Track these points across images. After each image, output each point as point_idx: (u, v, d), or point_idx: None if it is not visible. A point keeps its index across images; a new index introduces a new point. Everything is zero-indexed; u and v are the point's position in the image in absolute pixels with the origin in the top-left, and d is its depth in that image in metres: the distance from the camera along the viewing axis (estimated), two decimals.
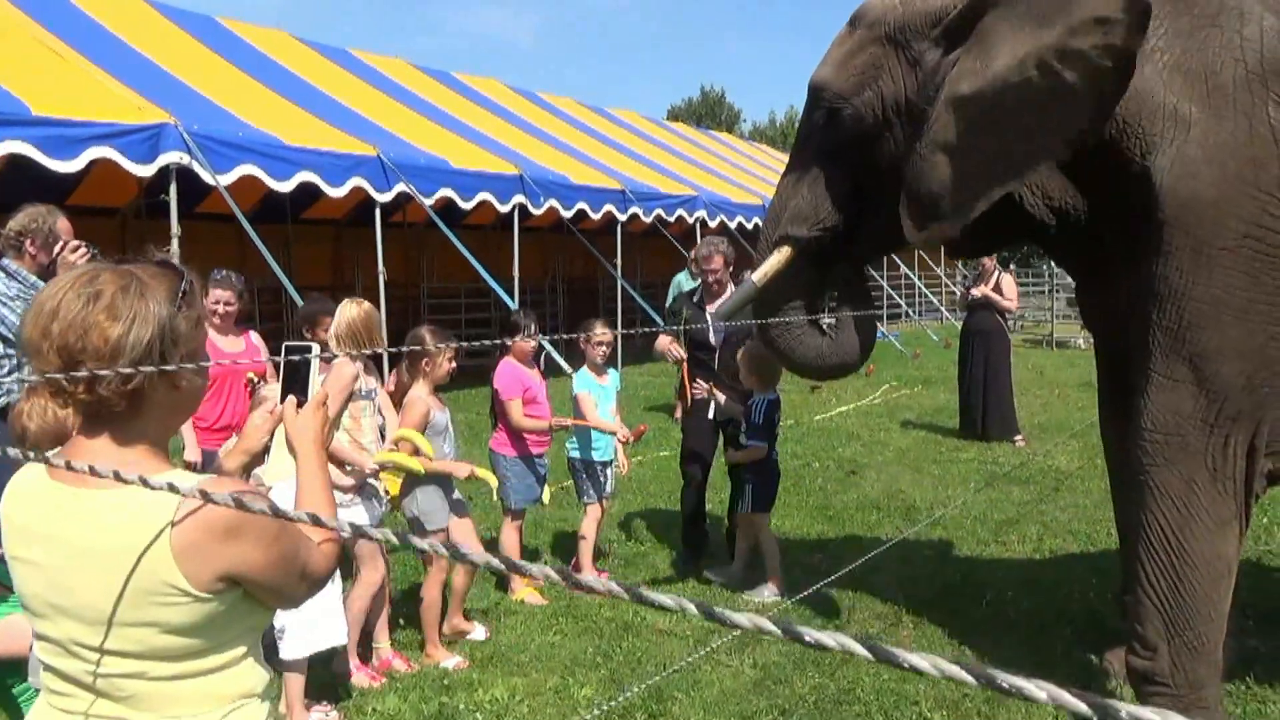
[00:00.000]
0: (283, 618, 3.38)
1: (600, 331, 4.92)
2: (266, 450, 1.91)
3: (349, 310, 3.94)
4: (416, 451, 3.94)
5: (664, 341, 5.18)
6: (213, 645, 1.45)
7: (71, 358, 1.32)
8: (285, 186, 8.81)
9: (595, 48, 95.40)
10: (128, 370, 1.30)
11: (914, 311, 21.34)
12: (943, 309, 21.24)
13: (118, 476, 1.00)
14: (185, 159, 7.84)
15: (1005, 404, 8.72)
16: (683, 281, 10.66)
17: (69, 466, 1.10)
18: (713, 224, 14.85)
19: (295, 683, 3.46)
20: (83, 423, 1.40)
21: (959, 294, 9.03)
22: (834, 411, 10.35)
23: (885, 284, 19.34)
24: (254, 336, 4.79)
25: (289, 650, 3.42)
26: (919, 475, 7.38)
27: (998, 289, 8.79)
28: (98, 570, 1.37)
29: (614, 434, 4.93)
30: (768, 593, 4.78)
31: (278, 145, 8.76)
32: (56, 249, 3.73)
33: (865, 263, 4.12)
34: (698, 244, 5.39)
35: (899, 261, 19.39)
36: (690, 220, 14.60)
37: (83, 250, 3.73)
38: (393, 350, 3.97)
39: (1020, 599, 4.64)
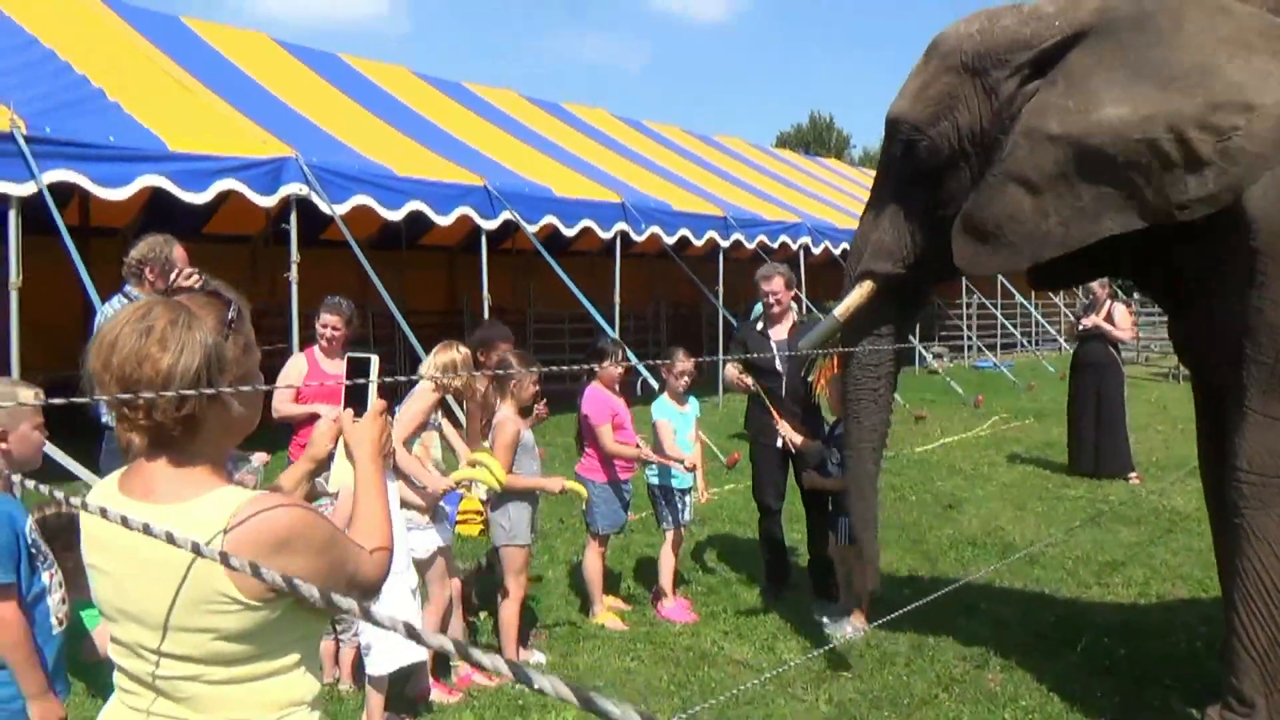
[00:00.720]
0: (369, 635, 3.52)
1: (682, 360, 4.95)
2: (332, 457, 2.01)
3: (445, 355, 4.03)
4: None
5: (732, 373, 5.16)
6: (265, 652, 1.54)
7: (129, 387, 1.44)
8: (396, 215, 9.21)
9: (705, 75, 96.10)
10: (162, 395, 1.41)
11: (1029, 341, 20.58)
12: (1060, 339, 20.42)
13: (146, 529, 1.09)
14: (304, 190, 8.29)
15: (1118, 439, 8.33)
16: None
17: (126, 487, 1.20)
18: (816, 250, 14.73)
19: (376, 700, 3.59)
20: (146, 445, 1.52)
21: (1068, 324, 8.68)
22: (936, 443, 10.08)
23: (999, 313, 18.77)
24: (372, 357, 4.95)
25: (375, 666, 3.55)
26: (1021, 512, 7.12)
27: (1109, 319, 8.42)
28: (158, 578, 1.48)
29: (680, 464, 4.89)
30: (850, 629, 4.68)
31: (390, 176, 9.17)
32: (172, 276, 4.00)
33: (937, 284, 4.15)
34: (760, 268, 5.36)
35: (1013, 289, 18.77)
36: (794, 246, 14.52)
37: (194, 277, 4.01)
38: (483, 373, 4.11)
39: (1118, 646, 4.41)
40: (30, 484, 1.40)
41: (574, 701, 0.75)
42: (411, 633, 0.93)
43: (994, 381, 15.79)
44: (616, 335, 9.45)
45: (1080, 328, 8.60)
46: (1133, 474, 8.22)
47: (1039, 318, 19.42)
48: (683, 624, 4.83)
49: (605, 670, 4.26)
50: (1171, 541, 6.18)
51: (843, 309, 3.72)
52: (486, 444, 4.24)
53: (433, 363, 3.99)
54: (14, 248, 6.55)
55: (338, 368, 4.84)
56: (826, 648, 4.27)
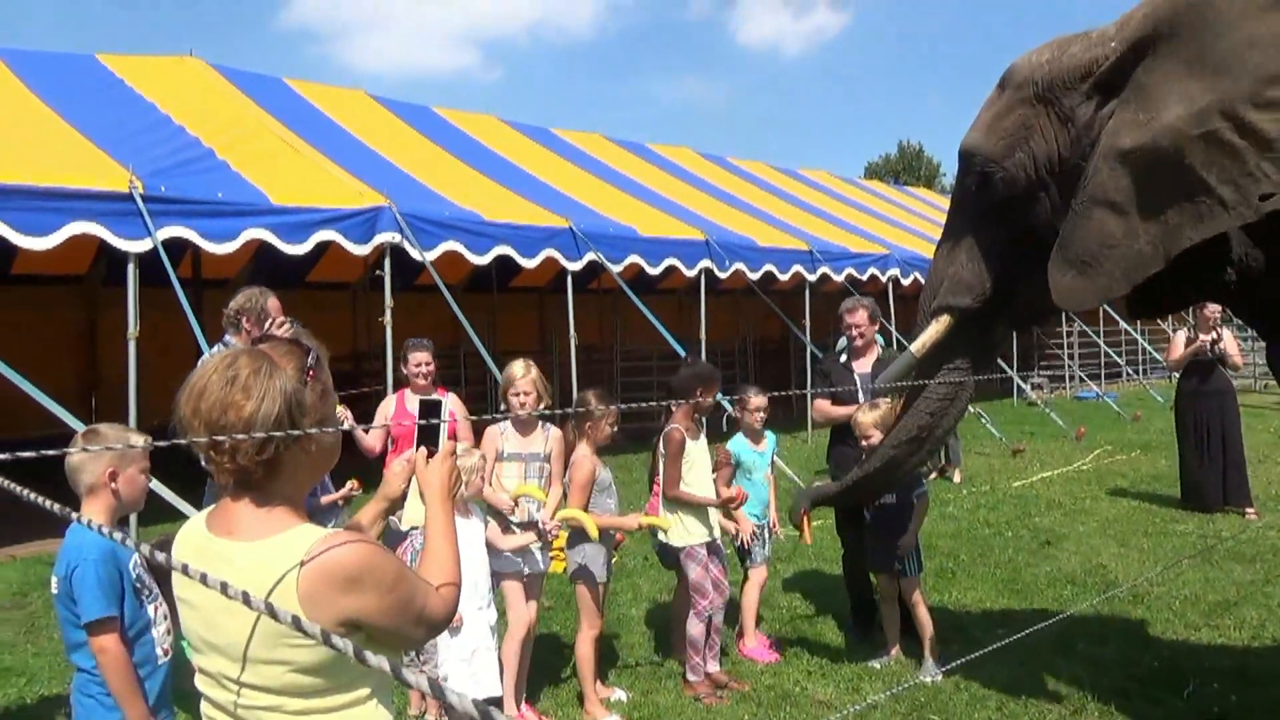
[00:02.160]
0: (445, 668, 3.61)
1: (754, 396, 4.95)
2: (405, 496, 2.10)
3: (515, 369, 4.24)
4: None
5: (822, 405, 5.13)
6: (337, 685, 1.62)
7: (215, 433, 1.55)
8: (483, 260, 9.50)
9: (792, 109, 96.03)
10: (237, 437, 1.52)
11: (1136, 370, 19.75)
12: (1168, 366, 19.54)
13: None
14: (397, 238, 8.63)
15: (1235, 470, 7.90)
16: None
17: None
18: (906, 281, 14.51)
19: None
20: (230, 486, 1.63)
21: (1193, 344, 8.14)
22: (1035, 478, 9.75)
23: (1102, 341, 18.09)
24: (451, 397, 5.04)
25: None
26: (1124, 548, 6.82)
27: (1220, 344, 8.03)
28: (237, 612, 1.57)
29: (728, 504, 4.65)
30: (933, 672, 4.53)
31: (478, 221, 9.47)
32: (267, 325, 4.25)
33: (1020, 331, 4.01)
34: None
35: (1116, 316, 18.08)
36: (883, 279, 14.34)
37: (287, 325, 4.24)
38: (558, 413, 4.21)
39: (1228, 692, 4.18)
40: (119, 536, 1.52)
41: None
42: (395, 672, 1.01)
43: (1097, 413, 15.20)
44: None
45: (1210, 352, 8.03)
46: (1249, 508, 7.79)
47: (1145, 345, 18.64)
48: (765, 663, 4.78)
49: (685, 710, 4.25)
50: None
51: (919, 344, 3.68)
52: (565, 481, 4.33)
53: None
54: (132, 301, 7.00)
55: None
56: (908, 685, 4.17)
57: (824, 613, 5.57)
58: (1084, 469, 10.29)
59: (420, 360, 5.03)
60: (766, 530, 5.07)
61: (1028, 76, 3.33)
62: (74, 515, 1.41)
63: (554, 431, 4.41)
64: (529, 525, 4.13)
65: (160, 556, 1.35)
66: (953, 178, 4.17)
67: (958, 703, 4.20)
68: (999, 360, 13.82)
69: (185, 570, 1.28)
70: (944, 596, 5.75)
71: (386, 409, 5.08)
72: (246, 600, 1.19)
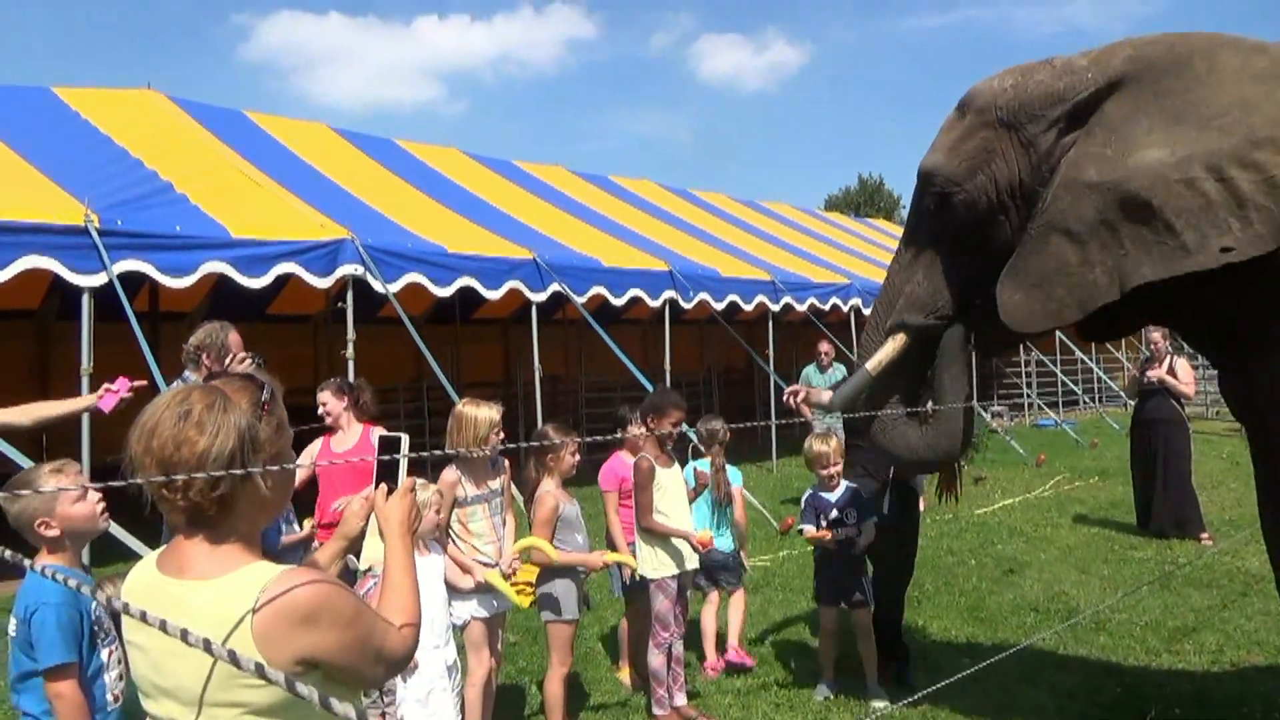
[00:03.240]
0: (402, 709, 3.53)
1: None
2: (363, 535, 2.06)
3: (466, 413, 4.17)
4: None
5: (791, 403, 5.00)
6: None
7: (168, 470, 1.52)
8: (446, 292, 9.45)
9: (753, 143, 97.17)
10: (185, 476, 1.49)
11: (1092, 398, 20.08)
12: (1124, 395, 19.91)
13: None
14: (360, 270, 8.56)
15: (1185, 498, 8.05)
16: (810, 374, 10.57)
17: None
18: (867, 311, 14.61)
19: None
20: (183, 524, 1.59)
21: (1131, 378, 8.45)
22: (997, 505, 9.84)
23: (1059, 370, 18.40)
24: (372, 434, 4.92)
25: None
26: (1085, 575, 6.89)
27: (1172, 372, 8.22)
28: (191, 654, 1.52)
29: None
30: (881, 695, 4.58)
31: (441, 253, 9.43)
32: (227, 360, 4.19)
33: (986, 353, 4.03)
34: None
35: (1072, 346, 18.40)
36: (845, 308, 14.48)
37: (248, 361, 4.18)
38: (516, 446, 4.17)
39: (1190, 716, 4.23)
40: (60, 578, 1.47)
41: None
42: (361, 718, 0.99)
43: (1056, 440, 15.42)
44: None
45: (1144, 381, 8.38)
46: (1204, 534, 7.92)
47: (1101, 374, 18.97)
48: (733, 696, 4.74)
49: None
50: (1246, 606, 5.92)
51: (874, 363, 3.67)
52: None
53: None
54: (86, 336, 6.86)
55: (345, 443, 4.92)
56: (876, 714, 4.17)
57: (792, 643, 5.55)
58: (1045, 496, 10.41)
59: (321, 401, 4.95)
60: (731, 558, 5.07)
61: (990, 101, 3.39)
62: (27, 563, 1.37)
63: (502, 462, 4.35)
64: (489, 565, 4.07)
65: (117, 604, 1.31)
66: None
67: None
68: None
69: (144, 617, 1.24)
70: (909, 624, 5.74)
71: (312, 450, 5.00)
72: (208, 648, 1.16)
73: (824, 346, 10.78)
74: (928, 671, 4.76)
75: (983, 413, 16.14)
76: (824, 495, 4.78)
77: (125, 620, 1.65)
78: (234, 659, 1.13)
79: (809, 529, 4.71)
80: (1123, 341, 19.66)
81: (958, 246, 3.55)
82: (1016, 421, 18.65)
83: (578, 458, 4.28)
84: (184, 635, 1.14)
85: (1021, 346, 18.34)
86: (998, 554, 7.64)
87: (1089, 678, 4.80)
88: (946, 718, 4.32)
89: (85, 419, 6.62)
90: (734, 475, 5.18)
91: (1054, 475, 11.71)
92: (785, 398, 4.66)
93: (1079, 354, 18.87)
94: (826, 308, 14.09)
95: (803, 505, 4.84)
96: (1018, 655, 4.57)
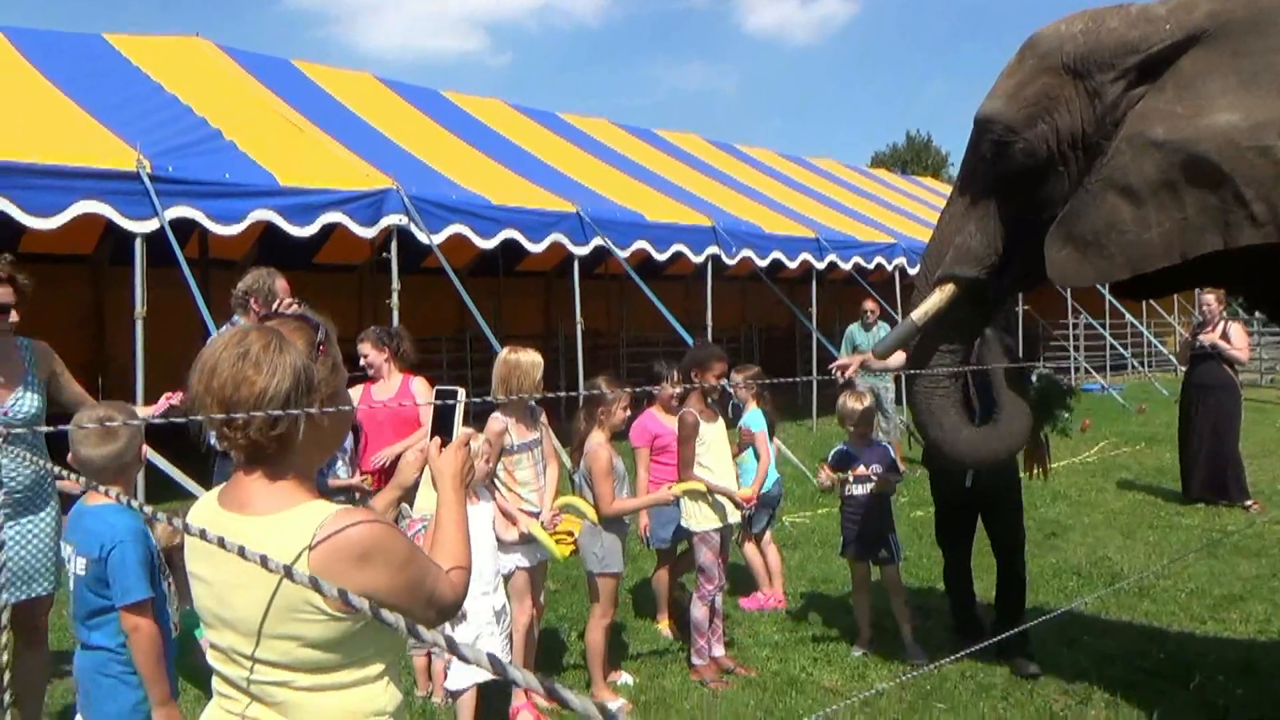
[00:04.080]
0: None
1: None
2: (418, 485, 2.08)
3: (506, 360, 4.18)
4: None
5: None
6: (348, 661, 1.61)
7: (228, 408, 1.54)
8: (490, 244, 9.46)
9: (800, 98, 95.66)
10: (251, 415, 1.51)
11: (1141, 362, 19.69)
12: (1174, 360, 19.50)
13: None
14: (404, 220, 8.59)
15: (1226, 463, 7.88)
16: (855, 333, 10.45)
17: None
18: (913, 271, 14.45)
19: (465, 713, 3.68)
20: (243, 461, 1.62)
21: (1181, 342, 8.26)
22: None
23: (1108, 333, 18.04)
24: (412, 383, 4.94)
25: (454, 681, 3.65)
26: (1130, 540, 6.81)
27: (1225, 337, 8.01)
28: (253, 586, 1.57)
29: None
30: (919, 655, 4.58)
31: (485, 205, 9.43)
32: (275, 305, 4.24)
33: (1015, 291, 3.95)
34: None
35: (1122, 309, 18.02)
36: (889, 268, 14.30)
37: (294, 306, 4.22)
38: (562, 396, 4.19)
39: (1234, 685, 4.18)
40: (136, 504, 1.50)
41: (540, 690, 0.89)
42: (412, 631, 0.99)
43: (1103, 405, 15.15)
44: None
45: (1196, 346, 8.17)
46: (1251, 501, 7.77)
47: (1151, 337, 18.60)
48: (770, 649, 4.78)
49: (691, 694, 4.25)
50: None
51: (921, 312, 3.59)
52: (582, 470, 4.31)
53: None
54: (139, 281, 6.98)
55: (385, 395, 4.93)
56: (916, 673, 4.17)
57: (830, 599, 5.57)
58: (1089, 461, 10.27)
59: (361, 352, 4.92)
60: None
61: (1056, 46, 3.25)
62: (112, 494, 1.42)
63: (540, 412, 4.38)
64: (533, 514, 4.12)
65: (194, 531, 1.34)
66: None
67: (963, 692, 4.20)
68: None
69: (204, 535, 1.27)
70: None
71: (353, 398, 5.01)
72: (264, 563, 1.18)
73: (869, 304, 10.63)
74: (970, 633, 4.74)
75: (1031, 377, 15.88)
76: (851, 450, 4.80)
77: (189, 553, 1.69)
78: (315, 584, 1.15)
79: (825, 473, 4.75)
80: (1175, 304, 19.22)
81: (1013, 198, 3.45)
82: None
83: (628, 412, 4.29)
84: (264, 561, 1.16)
85: (1070, 308, 18.01)
86: (1040, 517, 7.55)
87: (1131, 643, 4.76)
88: (986, 678, 4.31)
89: (140, 364, 6.78)
90: (755, 419, 5.20)
91: (1099, 440, 11.53)
92: (833, 369, 4.67)
93: (1129, 317, 18.49)
94: (871, 266, 13.93)
95: (830, 459, 4.85)
96: (1059, 619, 4.54)
